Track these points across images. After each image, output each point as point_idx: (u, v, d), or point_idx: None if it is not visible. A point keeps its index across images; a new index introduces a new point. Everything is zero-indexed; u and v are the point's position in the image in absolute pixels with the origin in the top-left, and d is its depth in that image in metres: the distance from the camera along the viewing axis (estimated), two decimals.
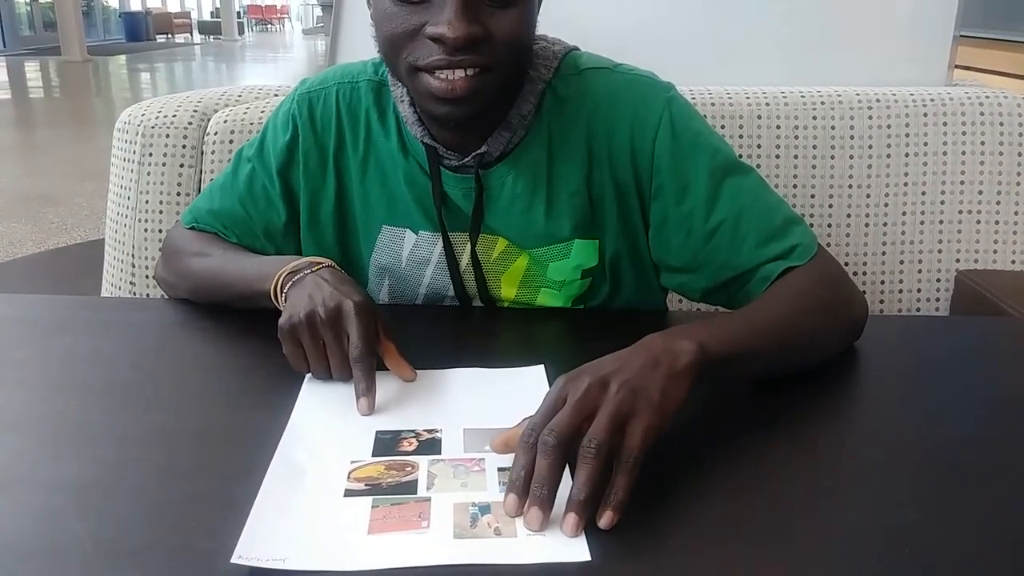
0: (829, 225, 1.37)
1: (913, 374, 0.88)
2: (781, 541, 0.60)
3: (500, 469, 0.67)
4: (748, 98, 1.36)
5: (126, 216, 1.36)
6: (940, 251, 1.39)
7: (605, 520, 0.59)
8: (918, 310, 1.40)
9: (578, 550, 0.57)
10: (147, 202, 1.34)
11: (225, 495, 0.64)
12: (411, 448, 0.70)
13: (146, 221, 1.34)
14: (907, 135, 1.36)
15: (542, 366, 0.83)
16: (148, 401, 0.80)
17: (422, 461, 0.68)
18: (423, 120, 0.93)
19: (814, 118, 1.35)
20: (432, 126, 0.93)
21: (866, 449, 0.74)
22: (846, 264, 1.37)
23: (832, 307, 0.87)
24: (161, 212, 1.33)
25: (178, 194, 1.33)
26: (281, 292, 0.86)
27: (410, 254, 1.00)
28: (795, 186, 1.36)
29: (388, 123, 0.98)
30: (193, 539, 0.59)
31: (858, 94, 1.38)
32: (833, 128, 1.35)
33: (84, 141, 6.65)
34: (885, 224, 1.38)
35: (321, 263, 0.88)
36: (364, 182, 1.00)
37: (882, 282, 1.39)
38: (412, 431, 0.72)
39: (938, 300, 1.40)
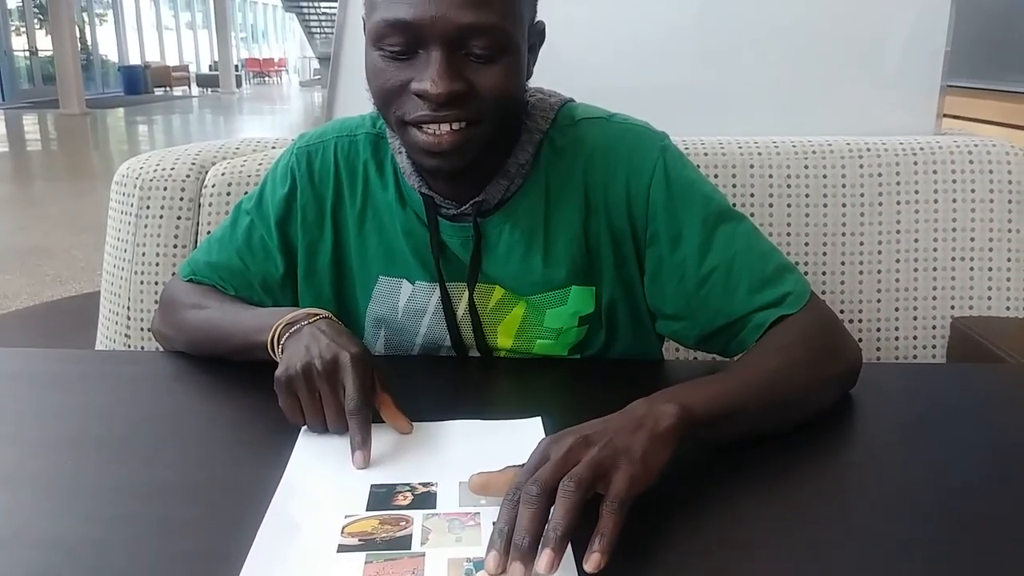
0: (823, 273, 1.38)
1: (911, 422, 0.88)
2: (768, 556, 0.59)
3: (495, 523, 0.65)
4: (740, 148, 1.38)
5: (122, 269, 1.36)
6: (935, 298, 1.39)
7: (591, 563, 0.59)
8: (915, 357, 1.40)
9: None
10: (144, 255, 1.34)
11: (219, 550, 0.63)
12: (406, 502, 0.69)
13: (142, 274, 1.34)
14: (898, 183, 1.38)
15: (539, 418, 0.83)
16: (143, 455, 0.79)
17: (416, 515, 0.67)
18: (419, 171, 0.94)
19: (806, 167, 1.37)
20: (427, 176, 0.94)
21: (865, 499, 0.73)
22: (841, 312, 1.37)
23: (824, 357, 0.87)
24: (158, 264, 1.33)
25: (175, 246, 1.33)
26: (278, 344, 0.86)
27: (406, 304, 1.00)
28: (789, 234, 1.37)
29: (386, 175, 0.99)
30: None
31: (848, 143, 1.39)
32: (825, 176, 1.37)
33: (81, 194, 6.68)
34: (879, 271, 1.38)
35: (318, 314, 0.88)
36: (361, 233, 1.00)
37: (878, 329, 1.39)
38: (407, 484, 0.72)
39: (934, 347, 1.40)
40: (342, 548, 0.63)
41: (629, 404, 0.73)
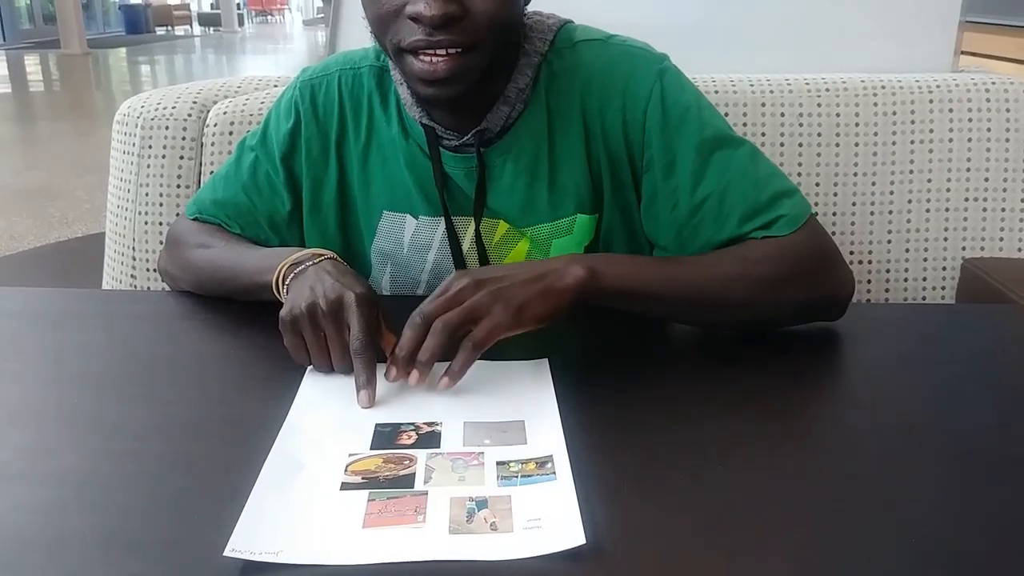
0: (834, 214, 1.36)
1: (919, 362, 0.87)
2: (781, 530, 0.59)
3: (499, 463, 0.66)
4: (752, 86, 1.35)
5: (126, 209, 1.35)
6: (946, 239, 1.37)
7: (441, 384, 0.75)
8: (924, 299, 1.39)
9: (573, 535, 0.56)
10: (147, 195, 1.33)
11: (223, 487, 0.63)
12: (410, 441, 0.69)
13: (146, 214, 1.33)
14: (912, 122, 1.35)
15: (546, 360, 0.83)
16: (147, 393, 0.80)
17: (420, 455, 0.67)
18: (420, 102, 0.93)
19: (819, 105, 1.34)
20: (427, 107, 0.93)
21: (871, 438, 0.73)
22: (850, 254, 1.36)
23: (797, 281, 0.87)
24: (161, 205, 1.32)
25: (178, 186, 1.32)
26: (283, 284, 0.86)
27: (411, 239, 1.00)
28: (800, 174, 1.35)
29: (390, 108, 0.98)
30: (190, 531, 0.59)
31: (863, 81, 1.36)
32: (838, 115, 1.34)
33: (84, 134, 6.63)
34: (890, 212, 1.36)
35: (323, 255, 0.87)
36: (366, 168, 0.99)
37: (887, 271, 1.38)
38: (411, 424, 0.72)
39: (944, 289, 1.39)
40: (345, 486, 0.63)
41: (556, 255, 0.87)
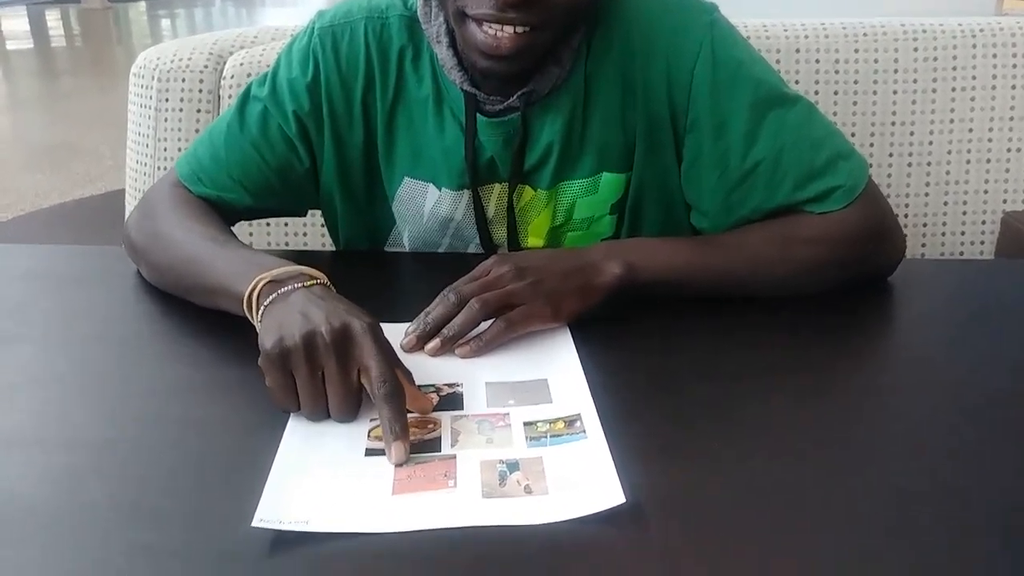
0: (870, 165, 1.29)
1: (957, 321, 0.84)
2: (818, 501, 0.57)
3: (526, 423, 0.64)
4: (786, 31, 1.30)
5: (145, 164, 1.33)
6: (986, 191, 1.32)
7: (460, 351, 0.73)
8: (962, 253, 1.34)
9: (612, 495, 0.54)
10: (165, 149, 1.30)
11: (245, 453, 0.62)
12: (432, 403, 0.67)
13: (165, 169, 1.31)
14: (954, 68, 1.29)
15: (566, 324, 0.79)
16: (166, 353, 0.78)
17: (444, 417, 0.65)
18: (463, 65, 0.86)
19: (856, 51, 1.29)
20: (474, 73, 0.86)
21: (909, 403, 0.70)
22: None
23: (848, 262, 0.84)
24: None
25: None
26: (257, 304, 0.71)
27: (432, 209, 0.95)
28: (835, 123, 1.29)
29: (422, 66, 0.90)
30: (214, 501, 0.57)
31: (903, 25, 1.30)
32: (876, 62, 1.29)
33: (106, 90, 6.62)
34: (929, 164, 1.32)
35: (314, 278, 0.72)
36: (390, 128, 0.93)
37: (924, 224, 1.34)
38: (432, 386, 0.69)
39: (982, 243, 1.34)
40: (370, 452, 0.61)
41: (591, 245, 0.85)
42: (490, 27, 0.77)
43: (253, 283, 0.71)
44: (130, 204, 1.37)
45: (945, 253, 1.35)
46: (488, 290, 0.75)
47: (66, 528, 0.55)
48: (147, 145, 1.32)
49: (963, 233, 1.34)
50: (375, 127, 0.93)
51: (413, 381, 0.66)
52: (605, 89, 0.88)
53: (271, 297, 0.70)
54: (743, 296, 0.83)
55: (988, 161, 1.32)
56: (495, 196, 0.94)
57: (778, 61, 1.28)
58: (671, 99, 0.87)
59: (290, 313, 0.67)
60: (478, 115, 0.89)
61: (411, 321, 0.77)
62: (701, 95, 0.86)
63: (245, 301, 0.72)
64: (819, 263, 0.84)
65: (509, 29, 0.77)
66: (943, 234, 1.34)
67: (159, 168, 1.31)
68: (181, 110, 1.29)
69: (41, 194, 4.15)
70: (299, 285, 0.70)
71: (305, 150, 0.93)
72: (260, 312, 0.70)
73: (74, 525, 0.55)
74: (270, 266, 0.73)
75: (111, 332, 0.83)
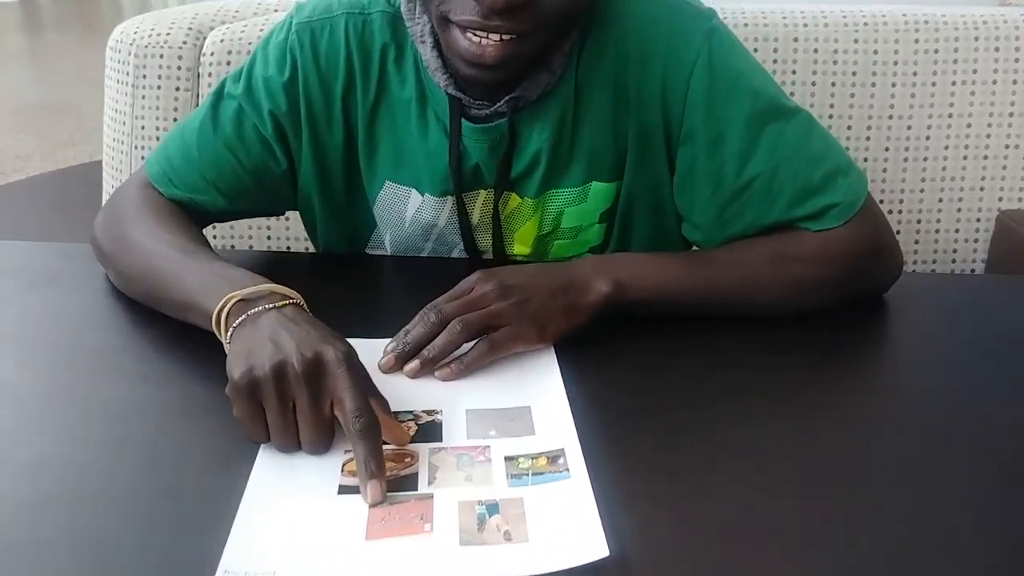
0: (865, 160, 1.29)
1: (954, 342, 0.82)
2: (811, 543, 0.55)
3: (507, 458, 0.61)
4: (784, 18, 1.26)
5: (122, 143, 1.29)
6: (982, 188, 1.30)
7: (441, 373, 0.70)
8: (955, 251, 1.33)
9: (595, 547, 0.52)
10: (143, 128, 1.26)
11: (215, 484, 0.59)
12: (410, 433, 0.64)
13: (143, 148, 1.27)
14: (955, 61, 1.26)
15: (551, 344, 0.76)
16: (137, 370, 0.74)
17: (422, 450, 0.62)
18: (447, 68, 0.82)
19: (855, 41, 1.25)
20: (458, 78, 0.82)
21: (906, 429, 0.68)
22: (880, 202, 1.29)
23: (836, 282, 0.82)
24: (158, 139, 1.26)
25: (175, 120, 1.25)
26: (226, 325, 0.68)
27: (414, 216, 0.92)
28: (831, 116, 1.27)
29: (405, 66, 0.86)
30: (178, 540, 0.54)
31: (904, 15, 1.27)
32: (875, 52, 1.25)
33: (91, 45, 6.48)
34: (925, 159, 1.29)
35: (287, 298, 0.69)
36: (371, 131, 0.88)
37: (918, 221, 1.31)
38: (410, 412, 0.67)
39: (976, 241, 1.32)
40: (343, 489, 0.58)
41: (577, 259, 0.83)
42: (474, 35, 0.73)
43: (222, 302, 0.68)
44: (108, 182, 1.33)
45: (938, 251, 1.33)
46: (471, 309, 0.72)
47: (20, 564, 0.52)
48: (124, 123, 1.28)
49: (957, 231, 1.32)
50: (355, 128, 0.89)
51: (389, 410, 0.63)
52: (597, 96, 0.85)
53: (240, 319, 0.66)
54: (734, 315, 0.81)
55: (985, 158, 1.29)
56: (480, 202, 0.90)
57: (775, 50, 1.25)
58: (665, 108, 0.84)
59: (260, 339, 0.63)
60: (463, 120, 0.85)
61: (390, 337, 0.74)
62: (697, 106, 0.82)
63: (214, 320, 0.68)
64: (814, 282, 0.82)
65: (495, 37, 0.73)
66: (937, 232, 1.32)
67: (136, 148, 1.27)
68: (159, 87, 1.25)
69: (23, 156, 4.08)
70: (270, 306, 0.67)
71: (282, 151, 0.89)
72: (229, 334, 0.67)
73: (29, 561, 0.52)
74: (241, 283, 0.69)
75: (80, 342, 0.78)
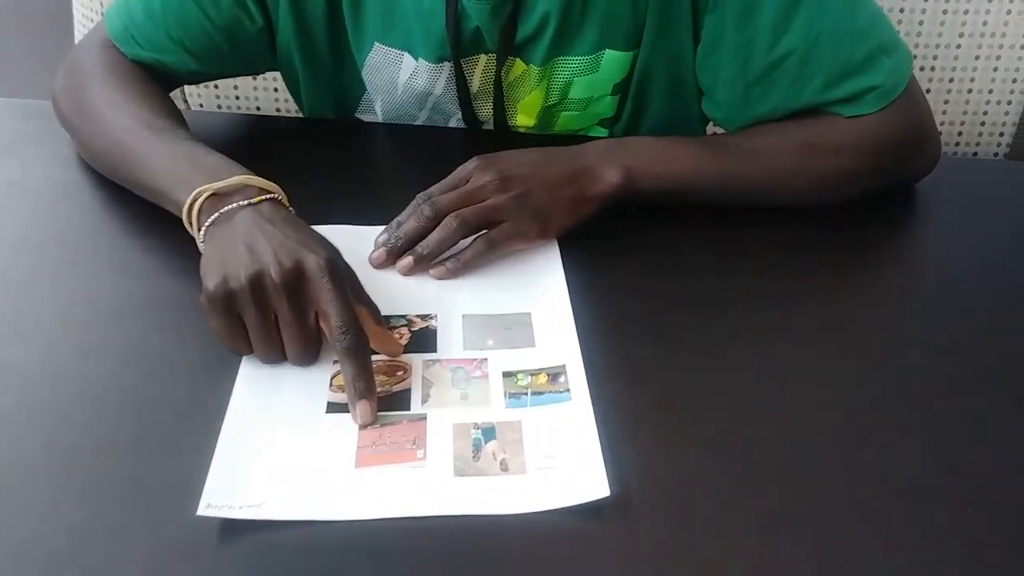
0: (901, 10, 1.18)
1: (988, 236, 0.77)
2: (814, 489, 0.53)
3: (506, 374, 0.58)
4: None
5: None
6: (1023, 47, 1.20)
7: (435, 271, 0.66)
8: (985, 112, 1.24)
9: (595, 486, 0.50)
10: None
11: (196, 399, 0.56)
12: (403, 341, 0.60)
13: None
14: None
15: (555, 239, 0.71)
16: (111, 259, 0.69)
17: (416, 362, 0.59)
18: None
19: None
20: None
21: (929, 359, 0.64)
22: (914, 58, 1.19)
23: (867, 174, 0.76)
24: None
25: None
26: (198, 222, 0.62)
27: (407, 82, 0.84)
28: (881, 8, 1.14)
29: None
30: (156, 467, 0.51)
31: None
32: None
33: None
34: (966, 12, 1.18)
35: (264, 191, 0.62)
36: None
37: (951, 80, 1.22)
38: (403, 317, 0.63)
39: (1009, 103, 1.23)
40: (332, 407, 0.55)
41: (586, 144, 0.74)
42: None
43: (193, 195, 0.62)
44: (78, 11, 1.21)
45: (967, 112, 1.24)
46: (468, 202, 0.67)
47: None
48: None
49: (991, 91, 1.23)
50: None
51: (380, 319, 0.59)
52: None
53: (213, 217, 0.61)
54: (754, 207, 0.75)
55: None
56: (480, 68, 0.82)
57: None
58: None
59: (234, 244, 0.58)
60: None
61: (380, 222, 0.69)
62: None
63: (184, 215, 0.63)
64: (841, 174, 0.76)
65: None
66: (970, 91, 1.23)
67: None
68: None
69: None
70: (245, 202, 0.61)
71: (256, 6, 0.80)
72: (201, 233, 0.62)
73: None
74: (214, 171, 0.63)
75: (47, 224, 0.72)
